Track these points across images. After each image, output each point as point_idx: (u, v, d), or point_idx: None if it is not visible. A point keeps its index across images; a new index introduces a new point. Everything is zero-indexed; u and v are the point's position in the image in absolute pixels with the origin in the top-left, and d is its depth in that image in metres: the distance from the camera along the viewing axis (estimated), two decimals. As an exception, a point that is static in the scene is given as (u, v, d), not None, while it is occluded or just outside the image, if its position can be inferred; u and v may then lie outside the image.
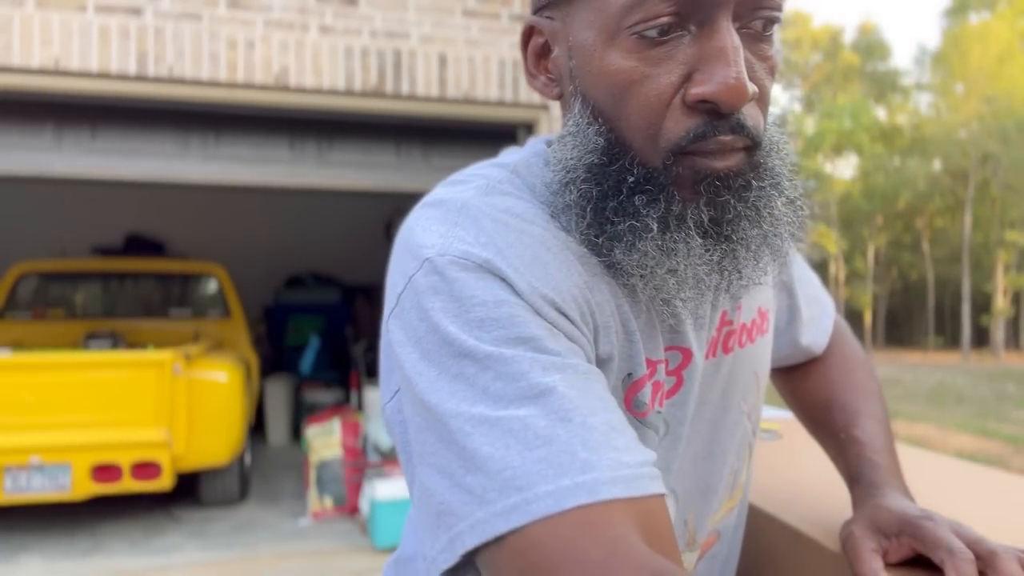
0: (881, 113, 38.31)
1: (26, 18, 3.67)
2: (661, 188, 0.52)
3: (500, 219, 0.53)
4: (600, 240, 0.54)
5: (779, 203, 0.54)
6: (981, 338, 36.70)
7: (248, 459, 5.33)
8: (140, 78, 3.84)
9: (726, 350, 0.64)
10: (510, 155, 0.64)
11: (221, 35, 3.92)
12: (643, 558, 0.40)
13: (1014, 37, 32.09)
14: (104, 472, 4.11)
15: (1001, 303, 32.24)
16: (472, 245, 0.51)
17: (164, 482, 4.18)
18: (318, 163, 4.53)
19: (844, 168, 39.43)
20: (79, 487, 4.08)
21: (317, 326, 8.32)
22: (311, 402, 7.15)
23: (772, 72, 0.54)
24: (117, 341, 5.16)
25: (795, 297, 0.79)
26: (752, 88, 0.50)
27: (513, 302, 0.49)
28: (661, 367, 0.58)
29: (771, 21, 0.52)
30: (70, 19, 3.72)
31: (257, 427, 6.57)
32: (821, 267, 40.83)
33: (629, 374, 0.56)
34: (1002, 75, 30.97)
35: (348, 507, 4.59)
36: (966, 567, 0.52)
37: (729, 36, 0.50)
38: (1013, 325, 37.37)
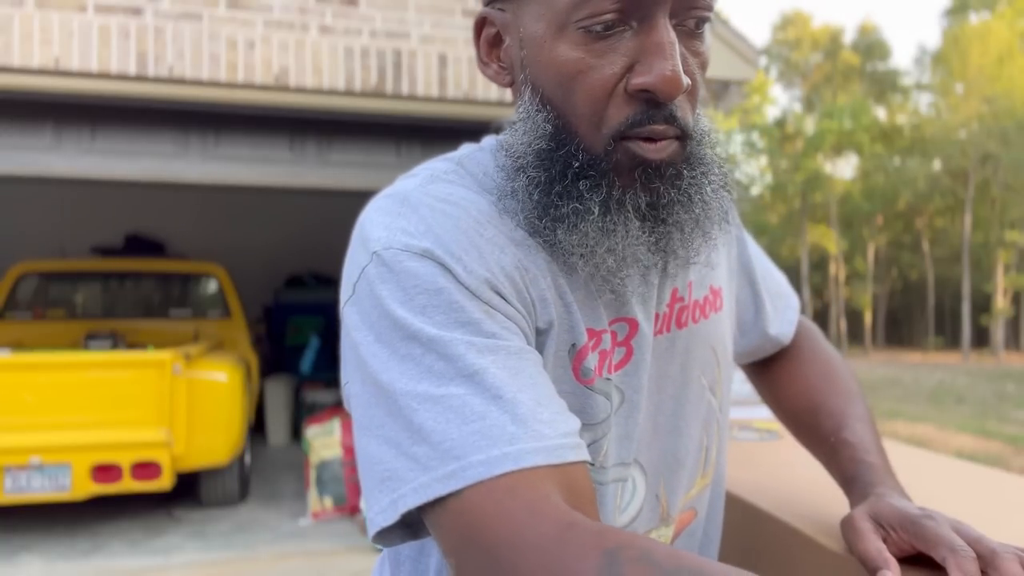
0: (881, 113, 38.31)
1: (26, 18, 3.67)
2: (603, 174, 0.57)
3: (438, 207, 0.58)
4: (543, 222, 0.58)
5: (708, 190, 0.59)
6: (981, 338, 36.69)
7: (248, 459, 5.33)
8: (140, 78, 3.84)
9: (680, 325, 0.68)
10: (463, 149, 0.69)
11: (221, 35, 3.92)
12: (561, 514, 0.45)
13: (1014, 37, 32.08)
14: (104, 472, 4.11)
15: (1001, 303, 32.24)
16: (413, 236, 0.55)
17: (164, 482, 4.18)
18: (318, 163, 4.53)
19: (844, 168, 39.46)
20: (79, 487, 4.08)
21: (317, 326, 8.32)
22: (311, 402, 7.15)
23: (703, 67, 0.59)
24: (117, 341, 5.16)
25: (758, 291, 0.83)
26: (686, 80, 0.55)
27: (452, 288, 0.53)
28: (606, 337, 0.61)
29: (703, 20, 0.57)
30: (70, 19, 3.72)
31: (257, 427, 6.57)
32: (821, 267, 40.82)
33: (573, 344, 0.59)
34: (1002, 75, 30.97)
35: (348, 507, 4.59)
36: (969, 565, 0.53)
37: (666, 32, 0.54)
38: (1013, 325, 37.36)
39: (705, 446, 0.73)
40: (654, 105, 0.55)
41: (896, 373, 20.73)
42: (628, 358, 0.63)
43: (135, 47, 3.81)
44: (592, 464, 0.56)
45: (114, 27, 3.78)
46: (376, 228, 0.57)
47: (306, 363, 7.79)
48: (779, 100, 64.88)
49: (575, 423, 0.52)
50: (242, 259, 8.50)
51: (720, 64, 4.60)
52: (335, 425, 4.71)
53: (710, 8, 0.57)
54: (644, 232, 0.58)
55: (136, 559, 4.00)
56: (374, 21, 4.15)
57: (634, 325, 0.63)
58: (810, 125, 37.83)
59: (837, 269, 38.69)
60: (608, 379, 0.62)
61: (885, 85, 39.05)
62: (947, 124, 33.14)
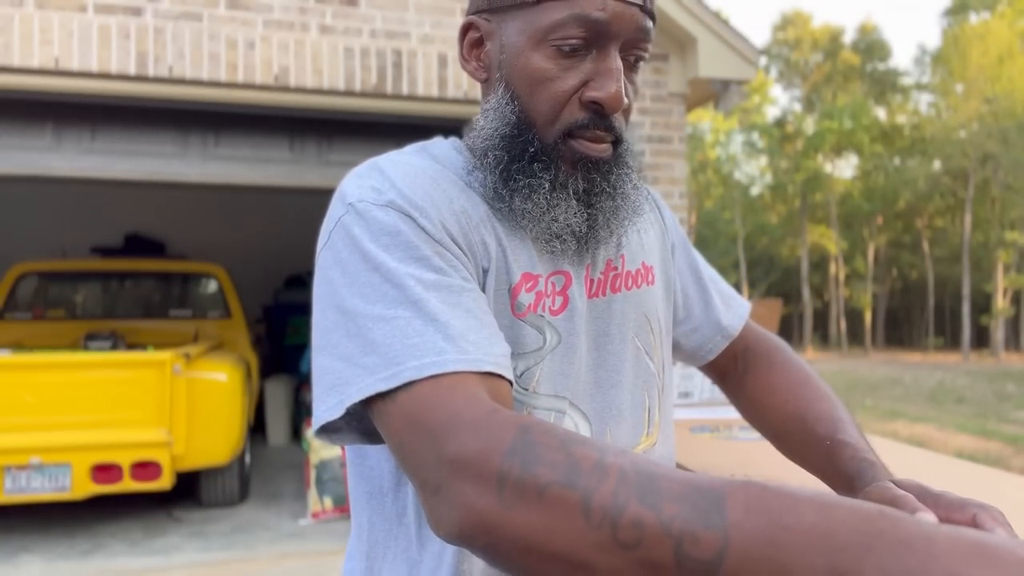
0: (881, 113, 38.29)
1: (26, 18, 3.67)
2: (552, 160, 0.73)
3: (399, 169, 0.71)
4: (504, 192, 0.73)
5: (629, 185, 0.76)
6: (981, 338, 36.69)
7: (248, 459, 5.33)
8: (140, 78, 3.83)
9: (614, 290, 0.82)
10: (429, 140, 0.84)
11: (221, 35, 3.92)
12: (488, 403, 0.57)
13: (1014, 37, 32.07)
14: (104, 472, 4.11)
15: (1001, 303, 32.23)
16: (380, 192, 0.69)
17: (164, 482, 4.18)
18: (318, 163, 4.53)
19: (844, 168, 39.46)
20: (79, 487, 4.08)
21: (317, 326, 8.33)
22: (311, 402, 7.14)
23: (635, 93, 0.77)
24: (117, 341, 5.15)
25: (705, 286, 0.97)
26: (625, 100, 0.72)
27: (408, 231, 0.66)
28: (542, 281, 0.75)
29: (640, 58, 0.75)
30: (70, 19, 3.72)
31: (257, 427, 6.57)
32: (821, 267, 40.82)
33: (509, 283, 0.73)
34: (1002, 75, 30.96)
35: (348, 507, 4.59)
36: (999, 515, 0.65)
37: (616, 61, 0.71)
38: (1013, 325, 37.36)
39: (647, 406, 0.83)
40: (600, 115, 0.72)
41: (896, 373, 20.74)
42: (565, 305, 0.76)
43: (135, 47, 3.80)
44: (525, 389, 0.73)
45: (114, 27, 3.78)
46: (351, 187, 0.71)
47: (306, 363, 7.79)
48: (779, 100, 64.90)
49: (500, 348, 0.64)
50: (242, 259, 8.50)
51: (720, 64, 4.60)
52: (335, 425, 4.71)
53: (647, 51, 0.74)
54: (580, 210, 0.74)
55: (136, 559, 4.00)
56: (374, 21, 4.15)
57: (569, 278, 0.77)
58: (810, 125, 37.81)
59: (837, 269, 38.68)
60: (542, 316, 0.74)
61: (885, 85, 39.04)
62: (947, 124, 33.12)
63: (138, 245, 8.56)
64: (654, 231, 0.90)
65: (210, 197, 9.17)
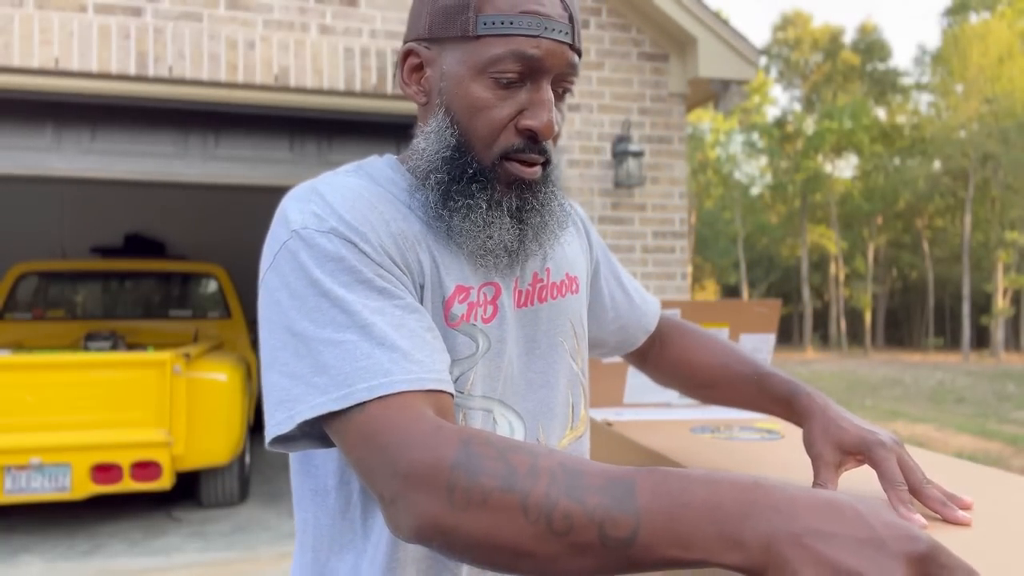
0: (881, 113, 38.29)
1: (26, 18, 3.67)
2: (488, 181, 0.79)
3: (338, 194, 0.76)
4: (444, 212, 0.79)
5: (555, 203, 0.84)
6: (981, 338, 36.70)
7: (248, 459, 5.33)
8: (140, 78, 3.84)
9: (541, 300, 0.89)
10: (364, 159, 0.90)
11: (221, 35, 3.92)
12: (434, 421, 0.63)
13: (1014, 37, 32.08)
14: (104, 472, 4.11)
15: (1001, 303, 32.24)
16: (321, 218, 0.73)
17: (164, 482, 4.18)
18: (318, 163, 4.53)
19: (844, 168, 39.46)
20: (79, 487, 4.09)
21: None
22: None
23: (563, 120, 0.84)
24: (117, 342, 5.15)
25: (628, 292, 1.09)
26: (556, 128, 0.79)
27: (351, 256, 0.71)
28: (474, 292, 0.82)
29: (567, 90, 0.83)
30: (70, 19, 3.72)
31: (257, 427, 6.57)
32: (821, 267, 40.84)
33: (443, 296, 0.80)
34: (1002, 75, 30.97)
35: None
36: (904, 496, 0.77)
37: (548, 93, 0.78)
38: (1013, 325, 37.37)
39: (572, 403, 0.92)
40: (533, 140, 0.79)
41: (896, 373, 20.74)
42: (495, 314, 0.83)
43: (135, 47, 3.81)
44: (461, 392, 0.79)
45: (114, 27, 3.78)
46: (293, 212, 0.75)
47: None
48: (779, 100, 64.92)
49: (442, 364, 0.71)
50: (242, 259, 8.50)
51: (720, 64, 4.61)
52: (335, 425, 4.71)
53: (574, 83, 0.83)
54: (512, 226, 0.80)
55: (136, 559, 4.00)
56: (374, 21, 4.15)
57: (499, 288, 0.84)
58: (810, 125, 37.82)
59: (837, 269, 38.69)
60: (474, 324, 0.81)
61: (885, 85, 39.04)
62: (947, 124, 33.13)
63: (138, 245, 8.56)
64: (578, 245, 0.99)
65: (210, 197, 9.16)
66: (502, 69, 0.77)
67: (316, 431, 0.71)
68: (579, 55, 0.82)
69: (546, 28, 0.77)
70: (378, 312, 0.70)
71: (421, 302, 0.78)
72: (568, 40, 0.79)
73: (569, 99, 4.11)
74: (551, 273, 0.91)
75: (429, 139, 0.81)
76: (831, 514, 0.50)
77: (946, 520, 0.76)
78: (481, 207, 0.79)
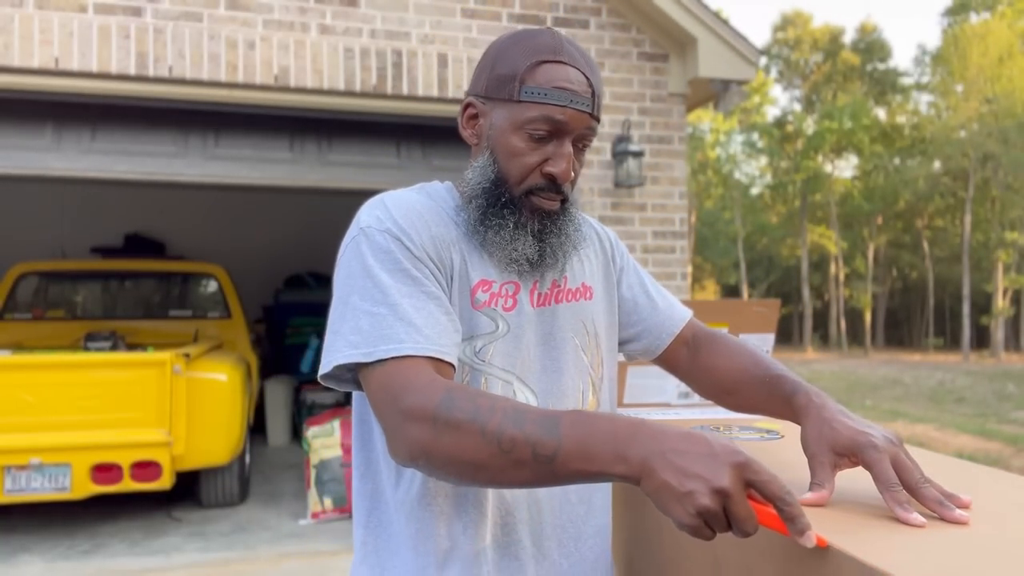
0: (881, 113, 38.26)
1: (26, 18, 3.67)
2: (517, 208, 1.02)
3: (398, 204, 1.01)
4: (481, 228, 1.02)
5: (570, 230, 1.06)
6: (981, 338, 36.68)
7: (248, 459, 5.33)
8: (140, 78, 3.84)
9: (557, 301, 1.10)
10: (427, 183, 1.12)
11: (221, 35, 3.92)
12: (432, 376, 0.87)
13: (1014, 37, 32.07)
14: (104, 472, 4.11)
15: (1001, 303, 32.23)
16: (382, 222, 0.98)
17: (164, 482, 4.18)
18: (318, 163, 4.52)
19: (844, 168, 39.44)
20: (79, 487, 4.09)
21: (317, 326, 8.32)
22: (311, 402, 7.14)
23: (580, 167, 1.06)
24: (117, 342, 5.15)
25: (653, 299, 1.24)
26: (572, 175, 1.02)
27: (397, 251, 0.96)
28: (496, 285, 1.04)
29: (586, 146, 1.05)
30: (70, 19, 3.72)
31: (257, 427, 6.57)
32: (821, 267, 40.83)
33: (469, 285, 1.02)
34: (1002, 75, 30.96)
35: (348, 507, 4.59)
36: (901, 497, 0.80)
37: (568, 148, 1.01)
38: (1013, 325, 37.35)
39: (582, 390, 1.11)
40: (553, 182, 1.01)
41: (896, 373, 20.74)
42: (515, 306, 1.05)
43: (135, 47, 3.80)
44: (483, 361, 1.01)
45: (114, 27, 3.78)
46: (364, 214, 1.01)
47: (306, 363, 7.79)
48: (779, 100, 64.90)
49: (449, 340, 0.93)
50: (242, 259, 8.50)
51: (720, 64, 4.61)
52: (335, 425, 4.71)
53: (591, 140, 1.05)
54: (533, 243, 1.02)
55: (136, 559, 4.00)
56: (374, 21, 4.15)
57: (518, 287, 1.06)
58: (810, 125, 37.80)
59: (837, 269, 38.67)
60: (495, 310, 1.03)
61: (885, 85, 39.02)
62: (947, 124, 33.11)
63: (138, 245, 8.56)
64: (599, 261, 1.19)
65: (210, 197, 9.16)
66: (535, 127, 0.99)
67: (353, 377, 0.95)
68: (598, 120, 1.04)
69: (572, 100, 0.99)
70: (407, 296, 0.93)
71: (451, 290, 1.00)
72: (588, 110, 1.01)
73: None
74: (568, 281, 1.12)
75: (475, 172, 1.04)
76: (685, 439, 0.72)
77: (944, 520, 0.77)
78: (509, 227, 1.01)
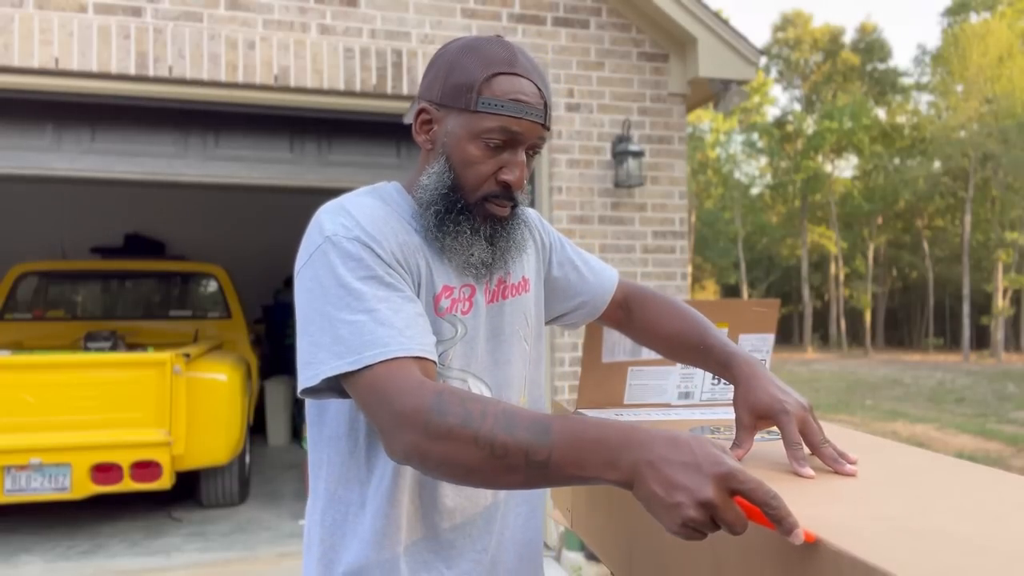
0: (881, 113, 38.25)
1: (26, 18, 3.67)
2: (472, 214, 1.06)
3: (361, 210, 1.02)
4: (438, 233, 1.06)
5: (518, 234, 1.11)
6: (981, 338, 36.67)
7: (248, 459, 5.33)
8: (140, 78, 3.83)
9: (504, 297, 1.17)
10: (377, 184, 1.16)
11: (221, 35, 3.92)
12: (419, 378, 0.89)
13: (1014, 37, 32.06)
14: (104, 472, 4.11)
15: (1001, 303, 32.22)
16: (349, 229, 0.99)
17: (164, 482, 4.19)
18: (318, 163, 4.52)
19: (844, 168, 39.43)
20: (79, 487, 4.09)
21: (317, 326, 8.32)
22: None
23: (531, 172, 1.07)
24: (117, 342, 5.16)
25: (581, 272, 1.32)
26: (524, 183, 1.07)
27: (368, 258, 0.97)
28: (455, 291, 1.09)
29: (537, 152, 1.09)
30: (70, 19, 3.72)
31: (257, 427, 6.56)
32: (821, 267, 40.83)
33: (433, 292, 1.06)
34: (1002, 75, 30.94)
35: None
36: (799, 453, 0.95)
37: (522, 156, 1.06)
38: (1013, 325, 37.35)
39: (524, 376, 1.20)
40: (507, 189, 1.06)
41: (896, 373, 20.74)
42: (471, 308, 1.10)
43: (135, 47, 3.80)
44: (443, 365, 1.06)
45: (114, 27, 3.78)
46: (327, 222, 1.01)
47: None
48: (779, 100, 64.88)
49: (429, 339, 0.97)
50: (242, 259, 8.50)
51: (720, 64, 4.60)
52: (335, 425, 4.71)
53: (540, 149, 1.09)
54: (487, 247, 1.07)
55: (136, 559, 4.00)
56: (374, 21, 4.15)
57: (474, 289, 1.11)
58: (810, 125, 37.79)
59: (837, 269, 38.67)
60: (455, 315, 1.09)
61: (885, 85, 39.01)
62: (947, 124, 33.10)
63: (138, 245, 8.56)
64: (532, 250, 1.25)
65: (210, 197, 9.16)
66: (492, 137, 1.03)
67: (335, 385, 0.95)
68: (548, 130, 1.09)
69: (526, 112, 1.04)
70: (383, 300, 0.95)
71: (418, 295, 1.03)
72: (541, 121, 1.06)
73: (569, 99, 4.49)
74: (511, 276, 1.19)
75: (431, 178, 1.07)
76: (671, 446, 0.74)
77: (836, 472, 0.94)
78: (466, 232, 1.05)
